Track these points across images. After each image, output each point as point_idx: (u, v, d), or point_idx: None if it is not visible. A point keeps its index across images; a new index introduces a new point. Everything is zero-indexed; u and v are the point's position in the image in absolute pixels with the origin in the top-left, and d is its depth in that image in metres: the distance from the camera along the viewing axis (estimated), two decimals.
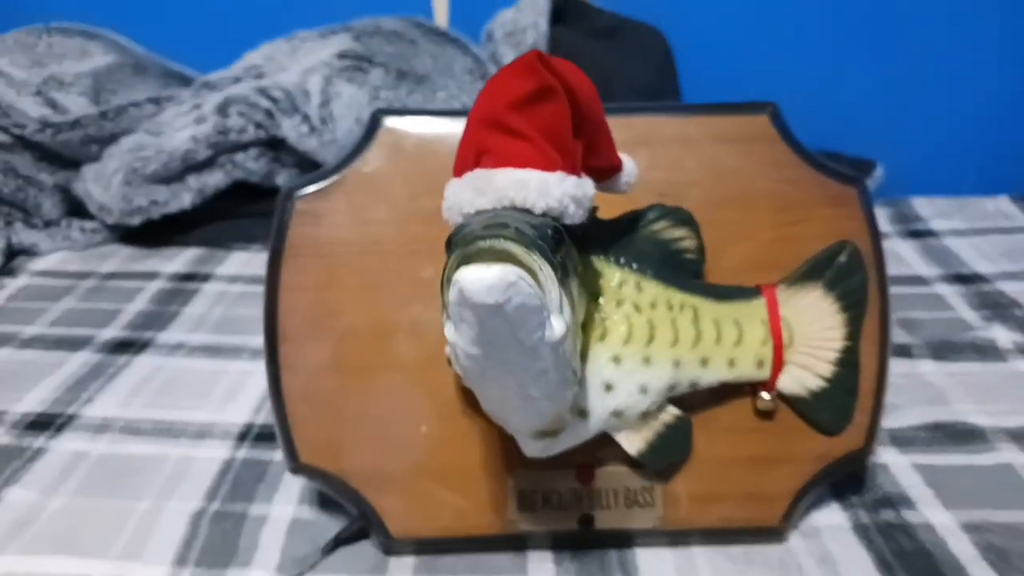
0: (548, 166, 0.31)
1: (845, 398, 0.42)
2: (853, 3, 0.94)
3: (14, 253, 0.81)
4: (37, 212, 0.84)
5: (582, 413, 0.37)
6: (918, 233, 0.84)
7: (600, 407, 0.37)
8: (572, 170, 0.33)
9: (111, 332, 0.66)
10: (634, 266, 0.39)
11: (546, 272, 0.28)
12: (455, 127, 0.42)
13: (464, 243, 0.28)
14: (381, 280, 0.41)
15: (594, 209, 0.37)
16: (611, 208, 0.39)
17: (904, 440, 0.50)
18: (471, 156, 0.33)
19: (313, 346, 0.41)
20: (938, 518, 0.44)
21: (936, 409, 0.53)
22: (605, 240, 0.39)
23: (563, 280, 0.30)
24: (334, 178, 0.42)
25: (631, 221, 0.40)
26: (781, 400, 0.42)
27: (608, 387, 0.37)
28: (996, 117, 0.97)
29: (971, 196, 0.92)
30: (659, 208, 0.40)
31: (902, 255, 0.79)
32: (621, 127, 0.37)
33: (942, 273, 0.74)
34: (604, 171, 0.37)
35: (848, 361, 0.41)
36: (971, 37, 0.94)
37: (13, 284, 0.75)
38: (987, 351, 0.60)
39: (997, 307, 0.67)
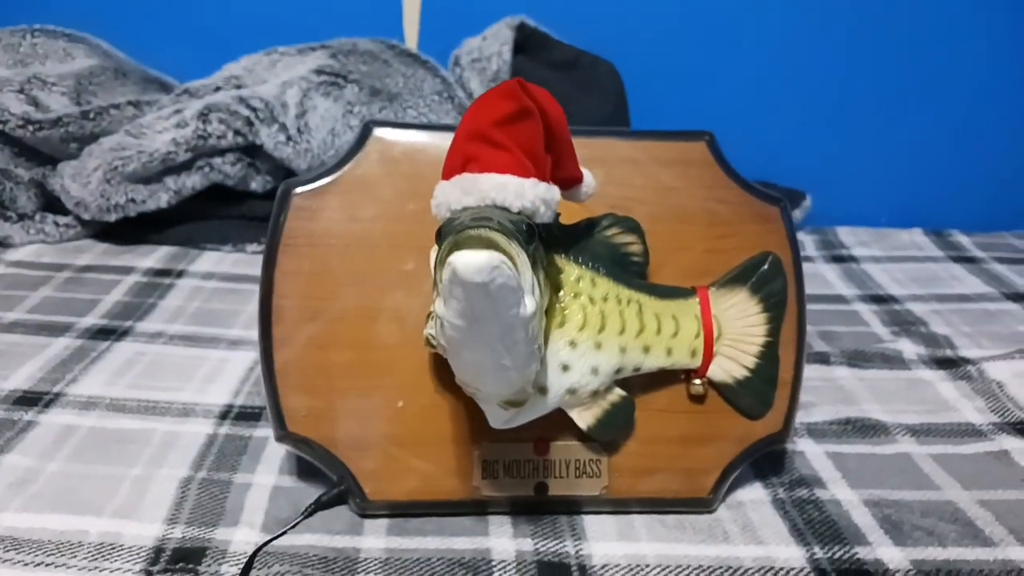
0: (524, 173, 0.37)
1: (766, 387, 0.48)
2: (789, 54, 1.04)
3: None
4: (12, 205, 0.86)
5: (542, 390, 0.43)
6: (841, 258, 0.93)
7: (557, 385, 0.43)
8: (543, 178, 0.39)
9: (91, 320, 0.69)
10: (590, 264, 0.45)
11: (522, 259, 0.34)
12: (436, 139, 0.48)
13: (455, 231, 0.33)
14: (368, 270, 0.46)
15: (557, 215, 0.43)
16: (571, 215, 0.45)
17: (819, 432, 0.57)
18: (459, 162, 0.38)
19: (304, 326, 0.46)
20: (844, 495, 0.50)
21: (847, 407, 0.60)
22: (566, 242, 0.45)
23: (533, 268, 0.36)
24: (328, 179, 0.47)
25: (588, 227, 0.46)
26: (711, 386, 0.48)
27: (565, 367, 0.43)
28: (914, 160, 1.08)
29: (889, 228, 1.02)
30: (611, 217, 0.46)
31: (826, 277, 0.88)
32: (581, 147, 0.43)
33: (860, 294, 0.83)
34: (568, 182, 0.43)
35: (768, 355, 0.48)
36: (894, 93, 1.05)
37: None
38: (894, 361, 0.67)
39: (905, 324, 0.75)
